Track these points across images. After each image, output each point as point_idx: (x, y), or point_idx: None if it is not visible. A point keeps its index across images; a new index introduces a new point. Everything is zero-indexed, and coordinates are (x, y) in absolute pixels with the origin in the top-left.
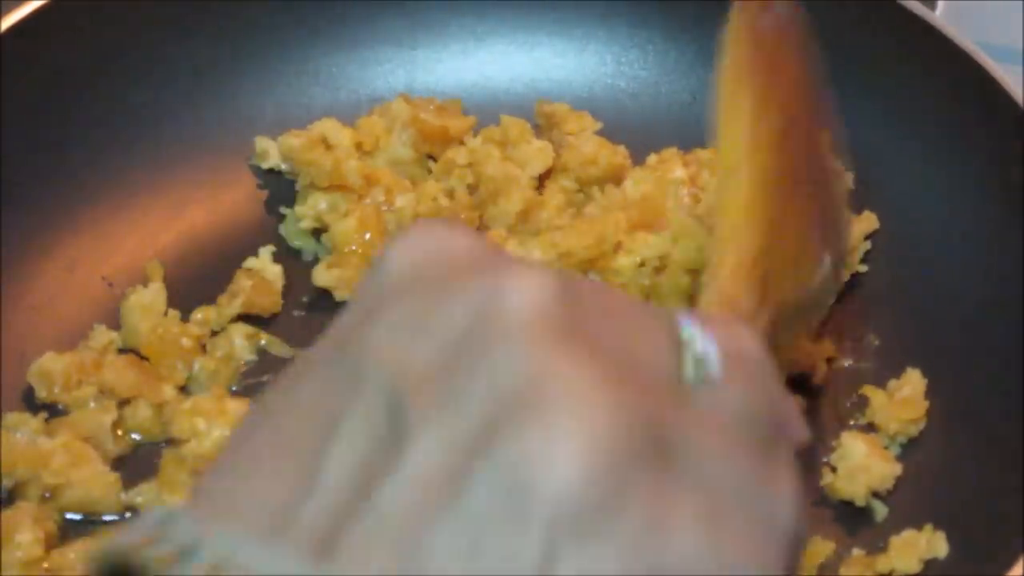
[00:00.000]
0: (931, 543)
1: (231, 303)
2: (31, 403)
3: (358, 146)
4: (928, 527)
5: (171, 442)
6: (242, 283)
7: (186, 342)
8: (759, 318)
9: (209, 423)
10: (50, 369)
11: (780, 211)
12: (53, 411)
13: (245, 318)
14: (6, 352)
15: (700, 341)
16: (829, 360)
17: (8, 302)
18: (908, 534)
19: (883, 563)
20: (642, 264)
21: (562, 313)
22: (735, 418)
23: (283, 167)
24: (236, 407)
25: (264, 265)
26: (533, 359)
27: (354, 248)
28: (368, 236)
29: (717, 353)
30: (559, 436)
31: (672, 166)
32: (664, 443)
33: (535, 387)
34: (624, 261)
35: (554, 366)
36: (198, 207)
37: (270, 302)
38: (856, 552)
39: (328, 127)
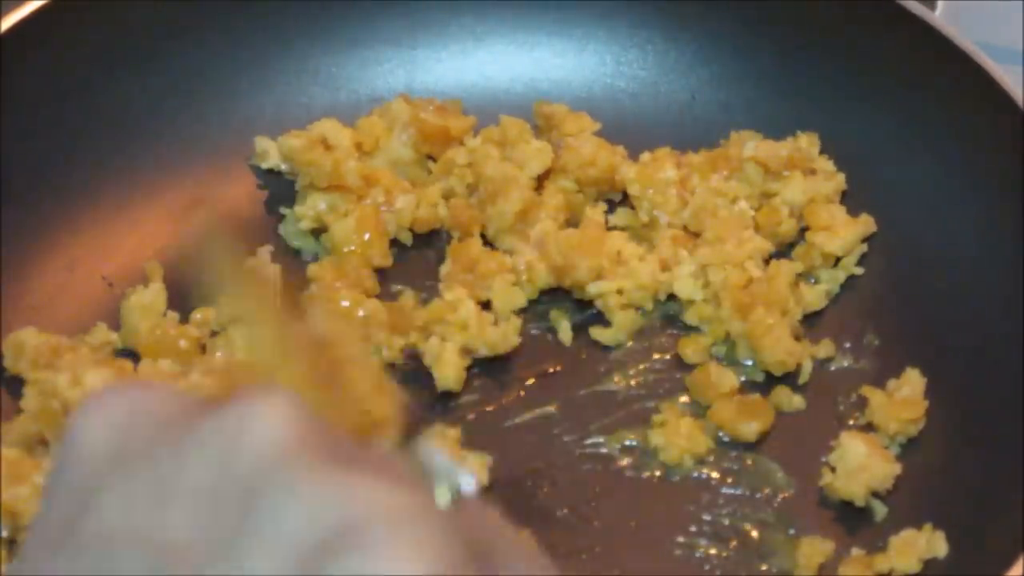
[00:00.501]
0: (930, 543)
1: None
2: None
3: (358, 146)
4: (927, 527)
5: None
6: None
7: (184, 343)
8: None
9: None
10: (24, 342)
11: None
12: (14, 388)
13: None
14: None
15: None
16: (826, 361)
17: (8, 302)
18: (907, 534)
19: (882, 562)
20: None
21: (312, 435)
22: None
23: (283, 167)
24: None
25: (263, 265)
26: (327, 492)
27: (353, 248)
28: (367, 236)
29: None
30: (403, 560)
31: (664, 165)
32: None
33: (351, 517)
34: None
35: (359, 494)
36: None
37: None
38: (856, 552)
39: (328, 127)
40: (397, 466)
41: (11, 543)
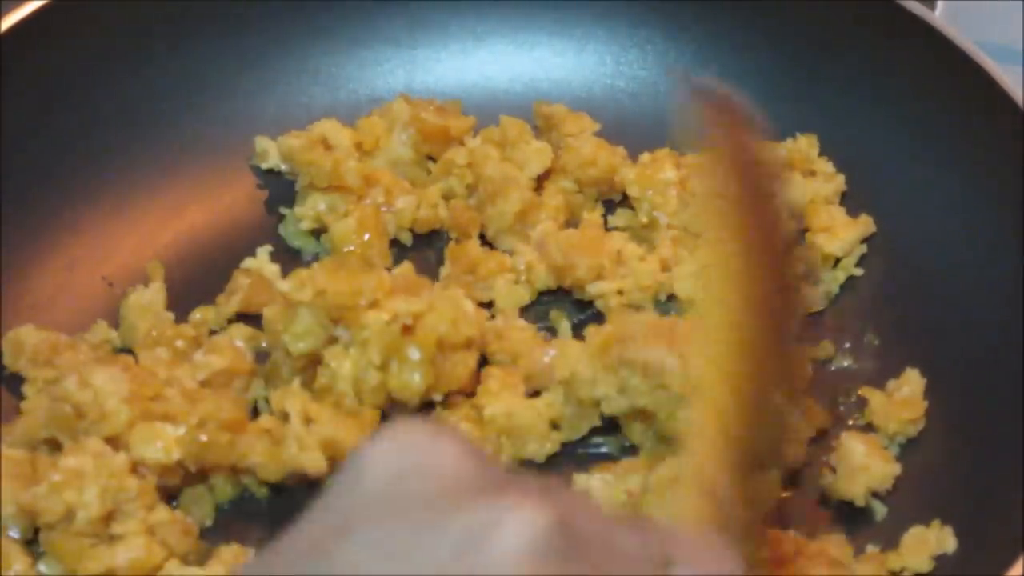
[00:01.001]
0: (940, 539)
1: (228, 302)
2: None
3: (358, 146)
4: (936, 523)
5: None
6: (240, 282)
7: (181, 343)
8: (737, 502)
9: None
10: (23, 340)
11: (754, 376)
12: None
13: (244, 318)
14: None
15: None
16: (826, 361)
17: (8, 302)
18: (917, 530)
19: (895, 560)
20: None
21: (555, 555)
22: None
23: (283, 167)
24: None
25: (262, 265)
26: None
27: (353, 248)
28: (367, 236)
29: None
30: None
31: (663, 166)
32: None
33: None
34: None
35: None
36: (198, 207)
37: (268, 301)
38: (871, 549)
39: (328, 127)
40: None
41: (27, 543)
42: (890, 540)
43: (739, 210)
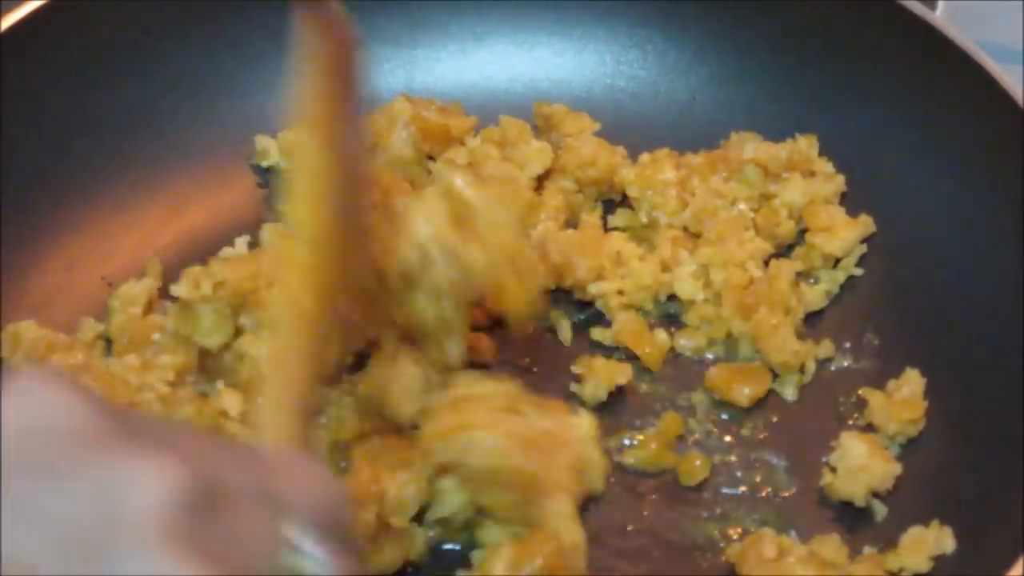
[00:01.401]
0: (939, 539)
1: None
2: None
3: None
4: (935, 523)
5: None
6: (214, 269)
7: (157, 336)
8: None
9: None
10: (22, 334)
11: (328, 274)
12: None
13: None
14: None
15: (314, 560)
16: (826, 361)
17: (8, 302)
18: (916, 531)
19: (893, 561)
20: None
21: (185, 518)
22: None
23: (283, 165)
24: None
25: (240, 253)
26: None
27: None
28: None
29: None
30: None
31: (663, 167)
32: None
33: None
34: None
35: None
36: (198, 207)
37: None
38: (868, 550)
39: None
40: None
41: None
42: (890, 540)
43: (325, 112)
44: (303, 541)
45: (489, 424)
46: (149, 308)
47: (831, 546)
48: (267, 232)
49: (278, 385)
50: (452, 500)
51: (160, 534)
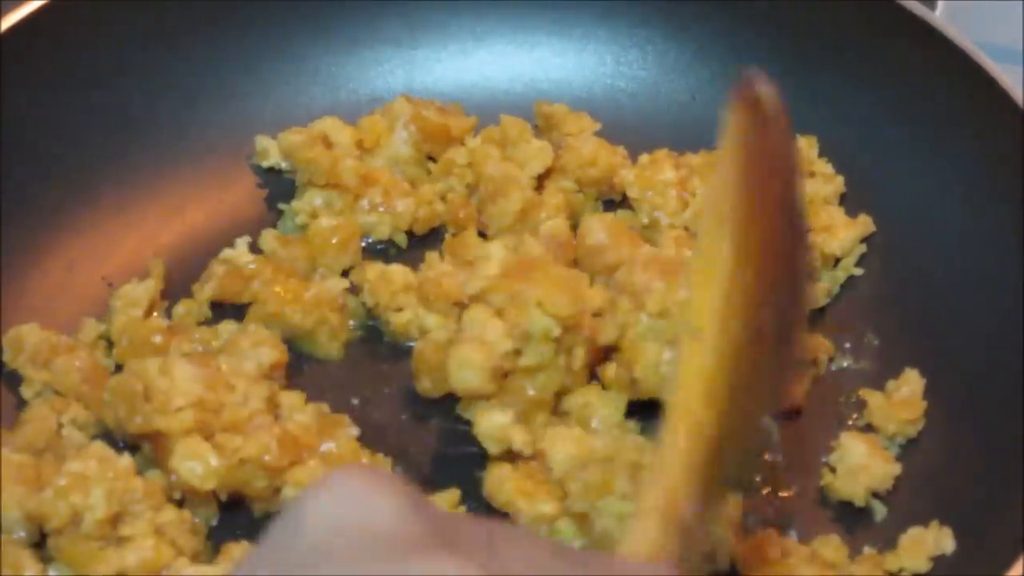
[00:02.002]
0: (938, 540)
1: (203, 290)
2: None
3: (359, 144)
4: (935, 524)
5: None
6: (214, 270)
7: (159, 338)
8: (700, 521)
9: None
10: (24, 338)
11: (738, 387)
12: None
13: (218, 307)
14: None
15: None
16: (828, 360)
17: (8, 302)
18: (915, 531)
19: (892, 561)
20: None
21: None
22: None
23: (283, 165)
24: None
25: (240, 255)
26: None
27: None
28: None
29: None
30: None
31: (663, 167)
32: None
33: None
34: None
35: None
36: (198, 207)
37: (242, 290)
38: (867, 550)
39: (329, 125)
40: None
41: (35, 546)
42: (889, 540)
43: (756, 208)
44: None
45: None
46: (151, 309)
47: (831, 546)
48: (267, 237)
49: (655, 492)
50: None
51: None
